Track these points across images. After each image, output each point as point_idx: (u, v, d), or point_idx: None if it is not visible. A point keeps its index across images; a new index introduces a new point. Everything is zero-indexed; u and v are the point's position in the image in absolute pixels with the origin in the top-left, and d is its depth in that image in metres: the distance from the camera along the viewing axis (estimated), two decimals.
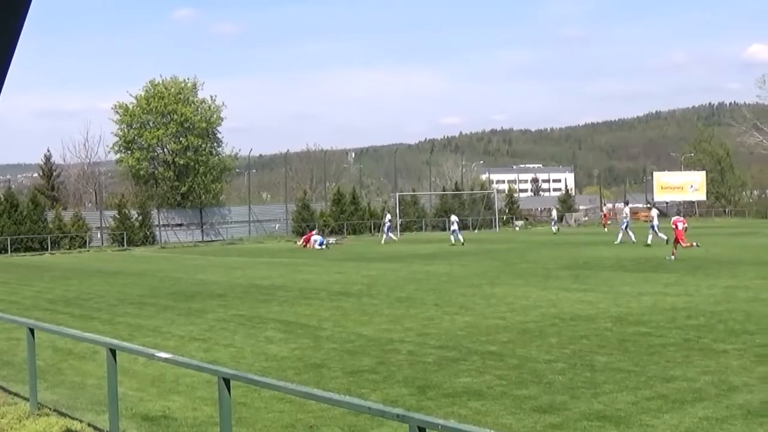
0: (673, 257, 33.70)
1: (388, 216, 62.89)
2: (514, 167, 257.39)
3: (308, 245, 53.91)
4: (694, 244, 35.79)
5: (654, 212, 46.51)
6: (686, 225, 36.52)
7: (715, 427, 9.29)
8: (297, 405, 10.53)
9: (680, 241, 34.73)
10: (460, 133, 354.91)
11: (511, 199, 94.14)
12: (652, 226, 44.14)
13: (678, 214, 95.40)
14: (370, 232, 76.78)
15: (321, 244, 53.05)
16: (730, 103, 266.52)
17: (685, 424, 9.40)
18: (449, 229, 39.20)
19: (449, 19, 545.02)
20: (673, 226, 35.83)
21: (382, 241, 57.90)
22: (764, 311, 18.21)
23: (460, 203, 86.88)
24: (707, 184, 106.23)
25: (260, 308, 21.74)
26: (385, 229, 60.08)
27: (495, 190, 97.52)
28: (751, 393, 10.72)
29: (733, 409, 9.94)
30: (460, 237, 52.18)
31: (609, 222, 74.26)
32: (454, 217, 53.69)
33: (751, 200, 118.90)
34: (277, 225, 76.55)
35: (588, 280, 26.56)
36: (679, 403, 10.30)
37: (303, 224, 72.64)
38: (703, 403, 10.27)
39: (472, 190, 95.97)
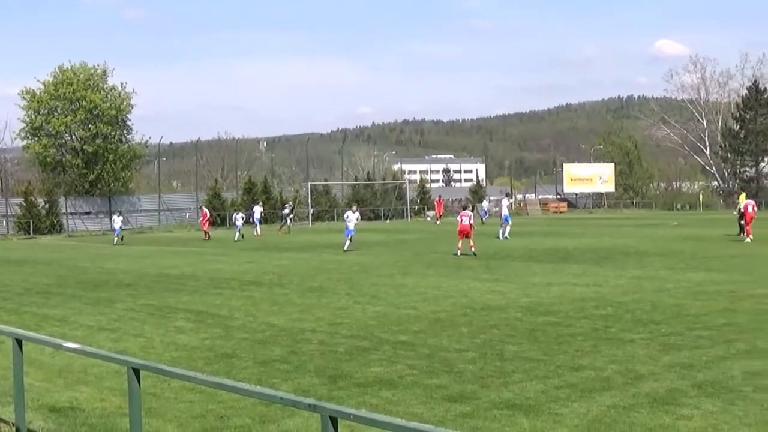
0: (749, 238, 37.02)
1: (288, 205, 61.80)
2: (426, 158, 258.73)
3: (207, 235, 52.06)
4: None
5: (505, 202, 46.41)
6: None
7: (623, 414, 9.45)
8: (207, 395, 10.44)
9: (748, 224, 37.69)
10: (373, 123, 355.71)
11: (422, 190, 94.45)
12: (506, 218, 44.02)
13: (590, 206, 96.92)
14: (282, 221, 76.47)
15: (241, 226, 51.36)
16: (639, 97, 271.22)
17: (593, 413, 9.54)
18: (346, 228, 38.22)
19: (362, 10, 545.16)
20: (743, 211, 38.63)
21: (278, 231, 56.84)
22: (670, 301, 18.57)
23: (372, 193, 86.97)
24: (616, 176, 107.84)
25: (170, 298, 21.51)
26: (286, 217, 59.02)
27: (407, 181, 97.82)
28: (657, 381, 10.92)
29: (639, 397, 10.12)
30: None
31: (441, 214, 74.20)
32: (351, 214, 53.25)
33: (658, 192, 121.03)
34: (188, 214, 75.76)
35: (498, 270, 26.81)
36: (588, 392, 10.45)
37: (214, 213, 72.01)
38: (610, 392, 10.43)
39: (384, 180, 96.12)
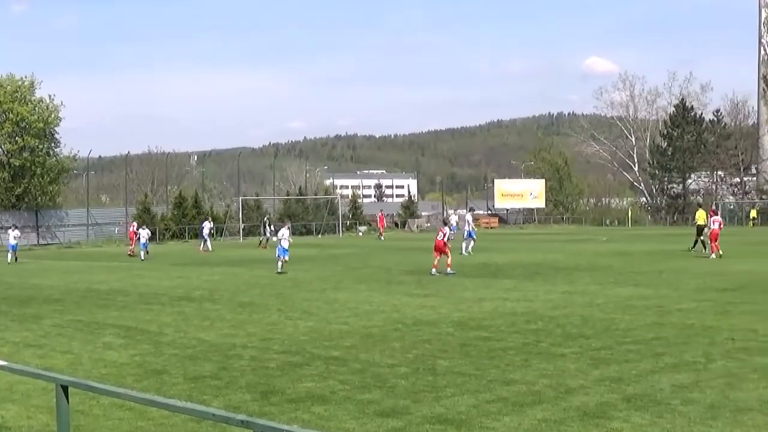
0: (713, 255, 36.88)
1: (207, 223, 59.66)
2: (358, 173, 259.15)
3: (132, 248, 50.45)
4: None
5: (469, 217, 45.94)
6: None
7: (553, 428, 9.52)
8: (137, 412, 10.31)
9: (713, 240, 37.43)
10: (305, 137, 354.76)
11: (354, 205, 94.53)
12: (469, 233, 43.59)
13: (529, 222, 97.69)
14: (213, 236, 75.95)
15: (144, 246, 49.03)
16: (569, 114, 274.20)
17: (524, 426, 9.60)
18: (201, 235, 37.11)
19: (294, 23, 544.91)
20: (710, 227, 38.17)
21: (200, 249, 54.62)
22: (600, 316, 18.78)
23: (304, 208, 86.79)
24: (546, 192, 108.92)
25: (98, 313, 21.23)
26: (204, 235, 57.36)
27: (339, 196, 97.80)
28: (587, 395, 11.03)
29: (570, 411, 10.20)
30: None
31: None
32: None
33: (587, 208, 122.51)
34: (117, 229, 74.84)
35: (430, 285, 26.89)
36: (519, 406, 10.51)
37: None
38: (541, 406, 10.51)
39: (316, 195, 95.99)
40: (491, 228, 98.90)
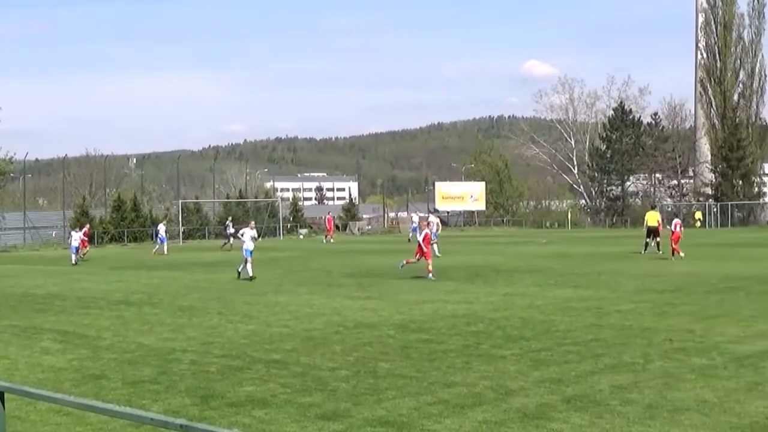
0: (673, 257, 36.94)
1: (162, 225, 59.46)
2: (299, 175, 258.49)
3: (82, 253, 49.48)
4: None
5: (434, 219, 45.52)
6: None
7: (494, 429, 9.57)
8: (75, 417, 10.18)
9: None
10: (245, 140, 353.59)
11: (295, 208, 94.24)
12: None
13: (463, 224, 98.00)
14: (152, 239, 75.35)
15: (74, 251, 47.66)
16: (509, 117, 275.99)
17: (465, 428, 9.63)
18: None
19: (233, 27, 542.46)
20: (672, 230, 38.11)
21: (154, 251, 54.31)
22: (540, 318, 18.91)
23: (245, 211, 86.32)
24: (487, 195, 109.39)
25: (35, 318, 20.93)
26: (161, 238, 57.10)
27: (279, 198, 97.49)
28: (527, 396, 11.09)
29: (510, 413, 10.26)
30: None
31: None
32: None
33: (527, 210, 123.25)
34: (54, 232, 73.88)
35: (371, 288, 26.89)
36: (460, 408, 10.54)
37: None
38: (482, 407, 10.55)
39: (256, 198, 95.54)
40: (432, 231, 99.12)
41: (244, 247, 31.96)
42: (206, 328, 18.34)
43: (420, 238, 31.24)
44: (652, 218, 42.48)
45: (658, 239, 41.32)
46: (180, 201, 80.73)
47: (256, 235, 32.71)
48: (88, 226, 54.61)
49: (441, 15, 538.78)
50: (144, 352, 15.39)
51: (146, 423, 5.94)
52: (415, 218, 45.47)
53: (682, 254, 37.09)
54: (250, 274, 30.93)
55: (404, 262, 31.06)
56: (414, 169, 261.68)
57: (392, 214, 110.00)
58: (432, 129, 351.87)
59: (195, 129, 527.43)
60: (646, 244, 41.76)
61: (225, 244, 58.16)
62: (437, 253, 40.95)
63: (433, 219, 45.13)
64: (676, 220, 39.59)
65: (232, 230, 58.21)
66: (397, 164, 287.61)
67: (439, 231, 44.69)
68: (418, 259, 30.70)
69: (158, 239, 55.70)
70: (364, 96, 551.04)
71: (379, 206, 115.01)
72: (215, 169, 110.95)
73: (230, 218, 65.43)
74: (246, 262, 31.32)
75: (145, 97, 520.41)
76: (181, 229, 75.22)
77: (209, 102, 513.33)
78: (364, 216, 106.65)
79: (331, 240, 67.45)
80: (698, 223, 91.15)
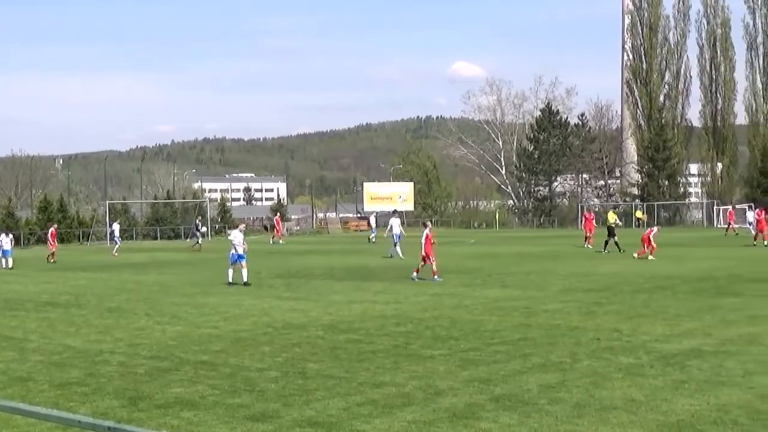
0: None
1: (117, 225, 58.84)
2: (227, 176, 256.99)
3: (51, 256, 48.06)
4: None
5: (397, 221, 43.81)
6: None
7: (423, 429, 9.57)
8: (2, 420, 9.99)
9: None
10: (173, 141, 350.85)
11: (223, 209, 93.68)
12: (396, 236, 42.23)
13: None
14: (79, 240, 74.38)
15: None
16: (437, 117, 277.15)
17: (394, 428, 9.63)
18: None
19: (160, 28, 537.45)
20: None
21: (115, 252, 53.17)
22: (468, 318, 18.99)
23: (173, 212, 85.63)
24: (415, 195, 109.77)
25: None
26: (116, 238, 56.29)
27: (207, 199, 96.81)
28: (456, 396, 11.12)
29: (439, 412, 10.27)
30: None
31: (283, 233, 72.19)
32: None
33: (456, 210, 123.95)
34: None
35: (300, 288, 26.81)
36: (389, 408, 10.54)
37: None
38: (411, 407, 10.55)
39: (184, 198, 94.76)
40: (360, 231, 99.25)
41: (234, 251, 29.10)
42: (134, 330, 18.13)
43: (423, 241, 29.75)
44: (612, 217, 43.35)
45: (615, 238, 41.88)
46: (107, 202, 79.82)
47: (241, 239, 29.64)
48: (54, 226, 53.18)
49: (369, 16, 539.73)
50: (71, 354, 15.17)
51: (74, 425, 5.85)
52: (395, 223, 42.31)
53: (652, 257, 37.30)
54: (245, 279, 28.38)
55: (415, 273, 29.35)
56: (342, 169, 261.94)
57: (321, 215, 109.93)
58: (360, 130, 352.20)
59: (122, 130, 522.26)
60: (606, 242, 42.41)
61: (195, 244, 57.38)
62: (401, 255, 40.42)
63: (397, 220, 44.09)
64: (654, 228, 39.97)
65: (203, 230, 57.87)
66: (326, 165, 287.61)
67: (403, 233, 43.84)
68: (424, 264, 29.54)
69: (115, 239, 55.03)
70: (292, 97, 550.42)
71: (307, 207, 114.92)
72: (143, 170, 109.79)
73: (200, 218, 64.73)
74: (230, 267, 28.87)
75: (72, 98, 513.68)
76: (108, 231, 74.29)
77: (137, 103, 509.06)
78: (293, 217, 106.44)
79: (280, 241, 66.84)
80: (640, 223, 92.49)
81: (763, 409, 10.21)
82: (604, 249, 42.11)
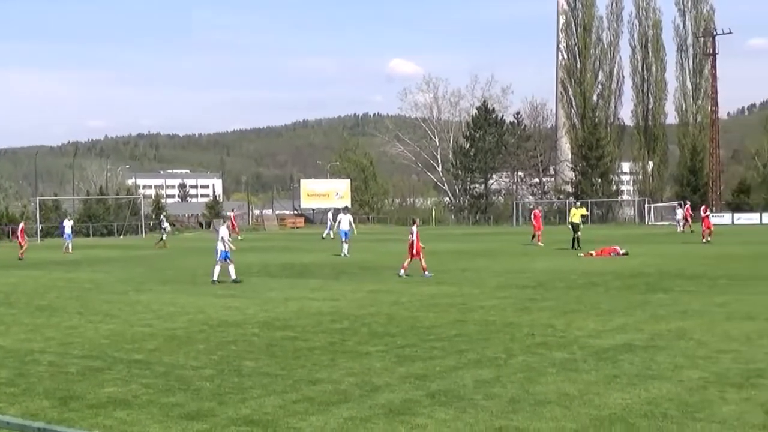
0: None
1: (67, 221, 57.75)
2: (162, 172, 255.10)
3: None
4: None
5: (347, 217, 42.96)
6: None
7: (359, 426, 9.56)
8: None
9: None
10: (106, 136, 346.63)
11: (158, 205, 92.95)
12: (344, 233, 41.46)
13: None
14: (8, 237, 73.29)
15: None
16: (374, 115, 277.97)
17: (331, 425, 9.60)
18: None
19: (93, 22, 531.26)
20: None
21: (69, 250, 52.08)
22: (405, 314, 19.01)
23: (106, 209, 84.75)
24: (352, 192, 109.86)
25: None
26: (66, 236, 55.23)
27: (141, 196, 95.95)
28: (392, 392, 11.12)
29: (376, 409, 10.26)
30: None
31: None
32: None
33: (393, 208, 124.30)
34: None
35: (235, 286, 26.63)
36: (325, 405, 10.50)
37: None
38: (347, 404, 10.53)
39: (117, 195, 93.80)
40: (297, 228, 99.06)
41: (221, 248, 28.01)
42: (65, 328, 17.87)
43: (414, 238, 29.33)
44: (576, 215, 43.43)
45: (578, 234, 42.04)
46: (38, 198, 78.75)
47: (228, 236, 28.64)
48: (23, 223, 52.14)
49: (307, 13, 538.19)
50: (0, 353, 14.91)
51: (2, 427, 5.75)
52: (345, 220, 41.31)
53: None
54: (233, 276, 27.54)
55: (402, 270, 28.94)
56: (279, 166, 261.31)
57: (257, 212, 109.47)
58: (297, 126, 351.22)
59: (54, 124, 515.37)
60: (574, 240, 42.22)
61: (160, 240, 56.55)
62: (346, 253, 40.00)
63: (347, 217, 43.58)
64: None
65: (166, 226, 57.23)
66: (262, 162, 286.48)
67: (355, 230, 42.99)
68: (411, 260, 29.17)
69: (65, 236, 54.03)
70: (228, 93, 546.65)
71: (243, 204, 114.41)
72: (75, 166, 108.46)
73: (164, 214, 63.95)
74: (217, 264, 27.97)
75: (2, 92, 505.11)
76: (39, 227, 73.30)
77: (69, 98, 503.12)
78: (229, 213, 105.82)
79: (239, 237, 66.00)
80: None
81: (692, 401, 10.36)
82: (572, 247, 41.52)
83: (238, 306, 21.17)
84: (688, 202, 73.14)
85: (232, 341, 15.63)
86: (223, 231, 28.88)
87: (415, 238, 29.27)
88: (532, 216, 50.56)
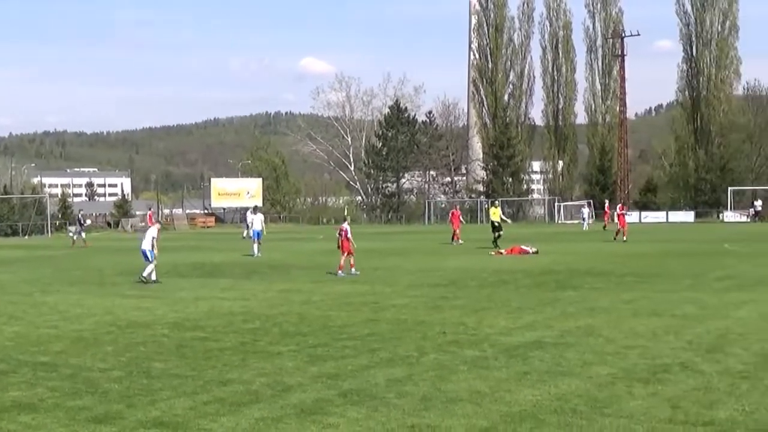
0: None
1: (82, 216, 56.91)
2: (68, 171, 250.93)
3: None
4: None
5: (258, 217, 42.20)
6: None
7: (271, 426, 9.48)
8: None
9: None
10: (10, 134, 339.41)
11: (64, 204, 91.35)
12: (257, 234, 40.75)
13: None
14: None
15: None
16: (287, 113, 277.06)
17: (242, 426, 9.51)
18: None
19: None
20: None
21: (84, 242, 50.62)
22: (317, 313, 18.95)
23: (10, 208, 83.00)
24: (264, 191, 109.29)
25: None
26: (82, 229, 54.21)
27: (47, 195, 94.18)
28: (304, 392, 11.06)
29: (287, 409, 10.19)
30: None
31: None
32: None
33: (304, 207, 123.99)
34: None
35: (144, 286, 26.29)
36: (236, 406, 10.40)
37: None
38: (259, 405, 10.44)
39: (22, 194, 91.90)
40: (208, 227, 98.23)
41: (147, 247, 27.79)
42: None
43: (349, 236, 29.30)
44: (495, 214, 43.39)
45: (500, 233, 42.01)
46: None
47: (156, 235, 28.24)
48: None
49: (218, 10, 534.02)
50: None
51: None
52: (256, 219, 40.43)
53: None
54: (154, 277, 27.33)
55: (339, 269, 28.76)
56: (189, 165, 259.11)
57: (167, 211, 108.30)
58: (208, 125, 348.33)
59: None
60: (495, 239, 41.84)
61: (75, 240, 55.36)
62: (258, 253, 39.45)
63: (257, 217, 42.73)
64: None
65: (85, 224, 56.19)
66: (172, 160, 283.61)
67: (264, 230, 42.42)
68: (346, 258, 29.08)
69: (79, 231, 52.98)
70: (137, 90, 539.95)
71: (153, 202, 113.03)
72: None
73: (81, 211, 62.69)
74: (150, 263, 27.59)
75: None
76: None
77: None
78: (138, 213, 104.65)
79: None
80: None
81: (600, 397, 10.49)
82: (495, 245, 40.91)
83: (148, 306, 20.88)
84: (607, 201, 74.18)
85: (141, 342, 15.41)
86: (153, 231, 28.55)
87: (344, 236, 29.25)
88: (451, 215, 50.63)
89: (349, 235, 29.31)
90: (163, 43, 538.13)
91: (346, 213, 33.66)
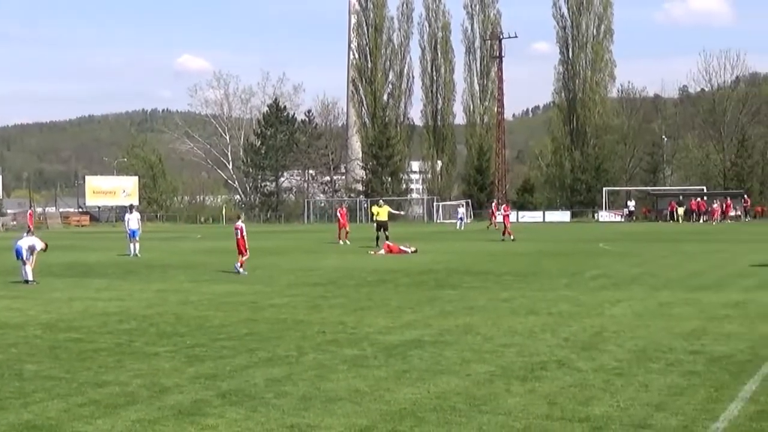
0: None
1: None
2: None
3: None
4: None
5: (133, 216, 40.96)
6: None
7: (148, 428, 9.35)
8: None
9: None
10: None
11: None
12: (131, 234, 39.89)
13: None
14: None
15: None
16: (163, 110, 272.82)
17: (118, 428, 9.35)
18: None
19: None
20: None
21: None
22: (194, 313, 18.76)
23: None
24: (140, 189, 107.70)
25: None
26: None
27: None
28: (182, 393, 10.94)
29: (165, 410, 10.06)
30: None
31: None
32: None
33: (182, 206, 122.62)
34: None
35: (16, 287, 25.66)
36: (112, 408, 10.22)
37: None
38: (135, 406, 10.28)
39: None
40: (82, 226, 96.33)
41: (26, 245, 26.95)
42: None
43: (244, 235, 29.55)
44: (382, 213, 42.93)
45: (387, 232, 41.75)
46: None
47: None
48: None
49: (89, 5, 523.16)
50: None
51: None
52: (132, 218, 39.43)
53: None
54: (29, 277, 26.58)
55: (239, 265, 28.93)
56: (63, 162, 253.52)
57: (40, 210, 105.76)
58: (83, 121, 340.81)
59: None
60: (377, 238, 41.47)
61: None
62: (136, 252, 38.80)
63: (133, 215, 41.70)
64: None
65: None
66: (45, 157, 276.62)
67: (141, 229, 41.39)
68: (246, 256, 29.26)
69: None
70: (8, 85, 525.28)
71: (25, 201, 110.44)
72: None
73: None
74: (26, 264, 26.71)
75: None
76: None
77: None
78: (9, 211, 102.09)
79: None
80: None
81: (479, 394, 10.63)
82: (376, 244, 40.70)
83: (20, 307, 20.37)
84: (494, 201, 75.17)
85: (12, 344, 15.02)
86: (38, 245, 27.43)
87: (240, 234, 29.51)
88: (338, 213, 50.58)
89: (245, 234, 29.53)
90: (34, 37, 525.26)
91: (240, 213, 33.23)
